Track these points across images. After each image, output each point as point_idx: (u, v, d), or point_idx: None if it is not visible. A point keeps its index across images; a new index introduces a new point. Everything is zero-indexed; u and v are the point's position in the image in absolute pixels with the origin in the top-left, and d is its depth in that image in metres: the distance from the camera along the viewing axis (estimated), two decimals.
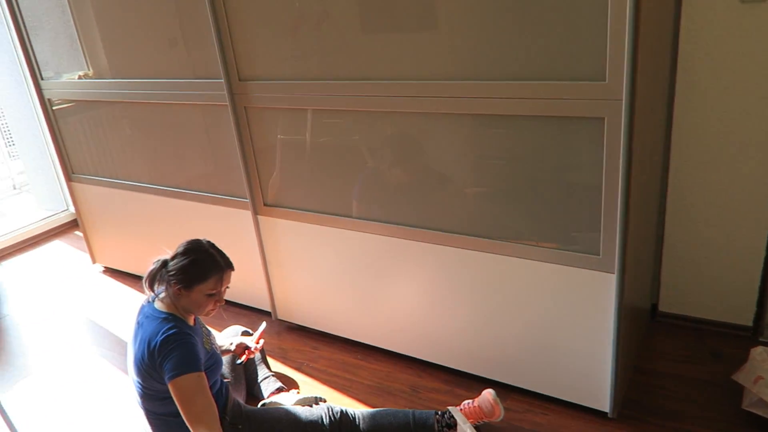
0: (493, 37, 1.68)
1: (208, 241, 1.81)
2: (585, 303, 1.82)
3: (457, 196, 1.96)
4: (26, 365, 2.62)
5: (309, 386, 2.26)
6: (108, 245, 3.34)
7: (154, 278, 1.74)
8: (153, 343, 1.64)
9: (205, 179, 2.66)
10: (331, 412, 1.86)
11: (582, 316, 1.84)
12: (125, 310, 2.99)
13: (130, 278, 3.30)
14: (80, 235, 3.99)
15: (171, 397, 1.64)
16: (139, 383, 1.72)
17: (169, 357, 1.63)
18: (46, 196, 4.38)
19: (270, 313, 2.69)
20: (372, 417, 1.87)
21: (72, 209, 4.20)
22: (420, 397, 2.13)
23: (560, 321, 1.89)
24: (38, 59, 3.00)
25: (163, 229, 2.94)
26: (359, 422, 1.85)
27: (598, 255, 1.74)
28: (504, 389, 2.07)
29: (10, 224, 4.16)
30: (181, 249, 1.75)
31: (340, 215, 2.25)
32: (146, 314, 1.74)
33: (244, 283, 2.65)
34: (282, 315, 2.67)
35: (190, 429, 1.62)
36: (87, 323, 2.92)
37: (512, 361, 2.05)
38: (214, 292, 1.75)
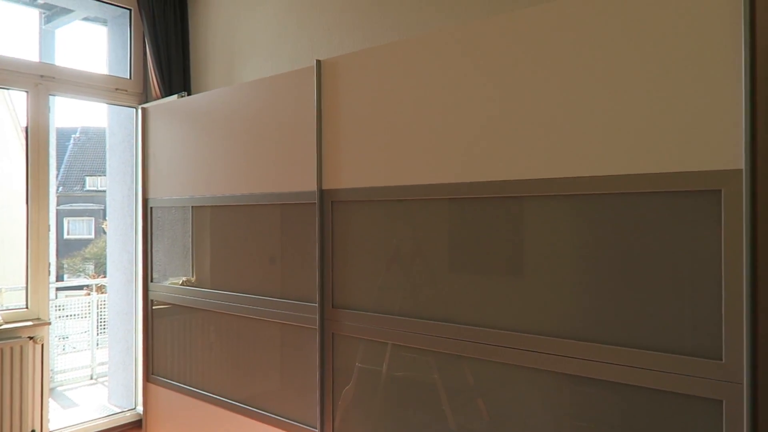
0: (587, 296, 1.66)
1: None
2: None
3: None
4: None
5: None
6: None
7: None
8: None
9: (277, 400, 2.59)
10: None
11: None
12: None
13: None
14: None
15: None
16: None
17: None
18: (119, 392, 4.41)
19: None
20: None
21: (139, 409, 4.16)
22: None
23: None
24: (153, 262, 3.27)
25: None
26: None
27: None
28: None
29: (77, 416, 4.15)
30: None
31: None
32: None
33: None
34: None
35: None
36: None
37: None
38: None
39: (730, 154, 1.44)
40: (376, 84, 2.17)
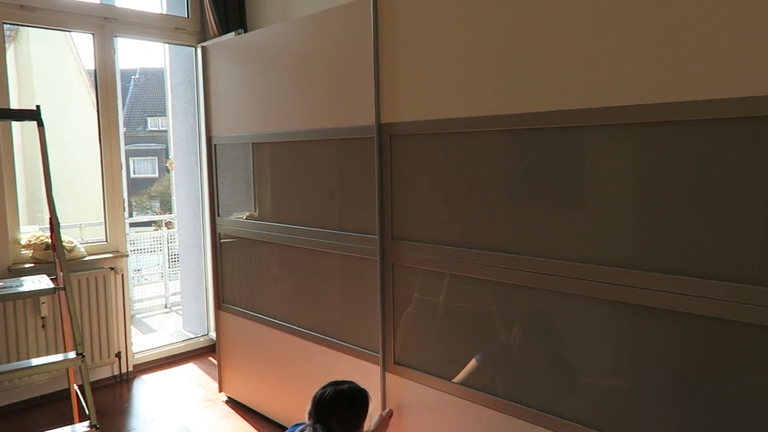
0: (655, 225, 1.65)
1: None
2: None
3: (591, 385, 1.81)
4: None
5: None
6: (236, 376, 3.46)
7: None
8: None
9: (340, 327, 2.73)
10: None
11: None
12: None
13: (249, 413, 3.34)
14: (213, 362, 4.19)
15: None
16: None
17: None
18: (192, 319, 4.72)
19: None
20: None
21: (212, 335, 4.47)
22: None
23: None
24: (219, 198, 3.42)
25: (291, 369, 3.00)
26: None
27: None
28: None
29: (156, 340, 4.50)
30: (340, 402, 2.11)
31: (470, 387, 2.16)
32: None
33: None
34: None
35: None
36: None
37: None
38: None
39: None
40: (435, 14, 2.13)
